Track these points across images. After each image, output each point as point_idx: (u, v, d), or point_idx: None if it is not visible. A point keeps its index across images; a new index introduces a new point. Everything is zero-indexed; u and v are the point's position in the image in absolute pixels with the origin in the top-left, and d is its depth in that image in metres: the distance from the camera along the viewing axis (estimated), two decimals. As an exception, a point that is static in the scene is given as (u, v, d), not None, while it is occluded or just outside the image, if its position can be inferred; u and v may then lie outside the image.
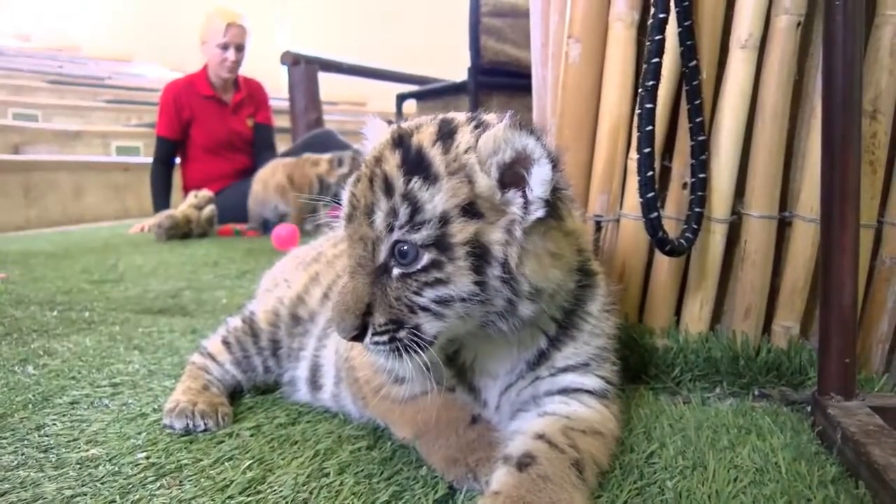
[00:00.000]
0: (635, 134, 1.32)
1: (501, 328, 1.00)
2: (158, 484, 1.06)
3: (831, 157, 1.25)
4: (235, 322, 1.49)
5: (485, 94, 4.67)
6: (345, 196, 1.02)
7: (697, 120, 1.37)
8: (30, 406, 1.38)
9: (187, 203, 4.57)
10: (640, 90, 1.29)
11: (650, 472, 1.08)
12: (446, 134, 0.98)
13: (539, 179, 0.94)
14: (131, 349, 1.82)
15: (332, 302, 0.98)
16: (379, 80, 7.67)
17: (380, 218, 0.94)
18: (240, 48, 5.03)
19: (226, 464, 1.13)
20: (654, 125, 1.24)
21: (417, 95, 5.53)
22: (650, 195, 1.25)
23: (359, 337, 0.96)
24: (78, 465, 1.12)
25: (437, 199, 0.92)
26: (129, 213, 6.26)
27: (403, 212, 0.92)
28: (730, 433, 1.23)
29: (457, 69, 4.91)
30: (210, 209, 4.56)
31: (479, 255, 0.93)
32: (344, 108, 11.40)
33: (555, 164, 0.94)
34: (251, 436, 1.25)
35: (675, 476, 1.06)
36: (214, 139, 5.03)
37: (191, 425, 1.26)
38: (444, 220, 0.92)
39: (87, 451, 1.18)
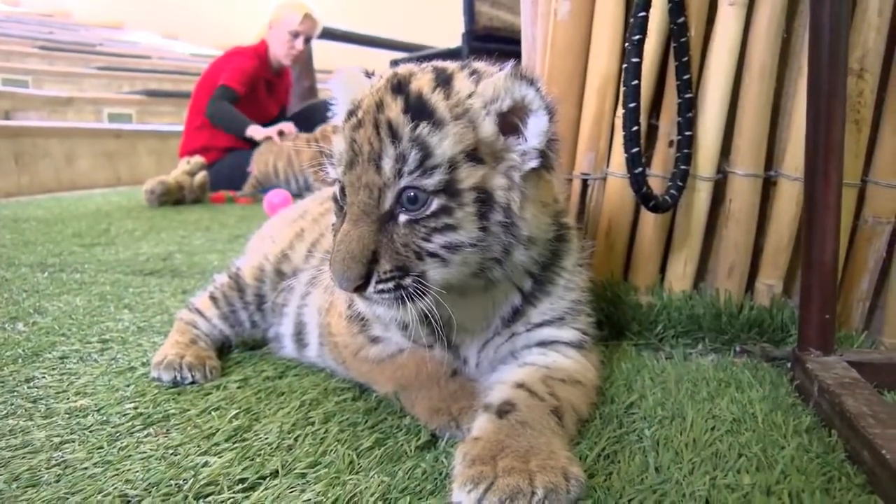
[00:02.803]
0: (622, 89, 1.31)
1: (494, 276, 1.03)
2: (146, 432, 1.08)
3: (816, 115, 1.25)
4: (222, 278, 1.50)
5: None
6: (342, 142, 0.99)
7: (685, 77, 1.37)
8: (19, 360, 1.40)
9: (180, 169, 4.55)
10: (626, 44, 1.29)
11: (629, 422, 1.10)
12: (444, 80, 0.98)
13: (536, 130, 0.96)
14: (121, 308, 1.84)
15: (333, 251, 0.94)
16: (373, 47, 7.58)
17: (388, 164, 0.93)
18: (308, 40, 5.17)
19: (213, 413, 1.15)
20: (639, 80, 1.24)
21: (411, 62, 5.46)
22: (635, 150, 1.25)
23: (361, 287, 0.94)
24: (67, 415, 1.14)
25: (446, 144, 0.92)
26: (121, 180, 6.23)
27: (413, 157, 0.91)
28: (709, 386, 1.25)
29: (452, 37, 4.85)
30: (202, 175, 4.54)
31: (484, 200, 0.94)
32: (338, 77, 11.25)
33: (551, 115, 0.97)
34: (238, 388, 1.26)
35: (653, 425, 1.09)
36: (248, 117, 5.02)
37: (178, 377, 1.27)
38: (452, 165, 0.92)
39: (76, 401, 1.20)
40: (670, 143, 1.44)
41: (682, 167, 1.36)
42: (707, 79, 1.43)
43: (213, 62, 5.31)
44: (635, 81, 1.24)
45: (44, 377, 1.31)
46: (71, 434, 1.07)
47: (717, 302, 1.47)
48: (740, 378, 1.28)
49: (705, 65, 1.44)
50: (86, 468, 0.96)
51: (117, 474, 0.94)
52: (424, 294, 0.95)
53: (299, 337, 1.38)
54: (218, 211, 4.11)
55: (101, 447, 1.02)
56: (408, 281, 0.94)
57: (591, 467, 0.95)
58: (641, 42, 1.27)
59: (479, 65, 1.05)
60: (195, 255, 2.63)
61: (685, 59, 1.35)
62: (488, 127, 0.96)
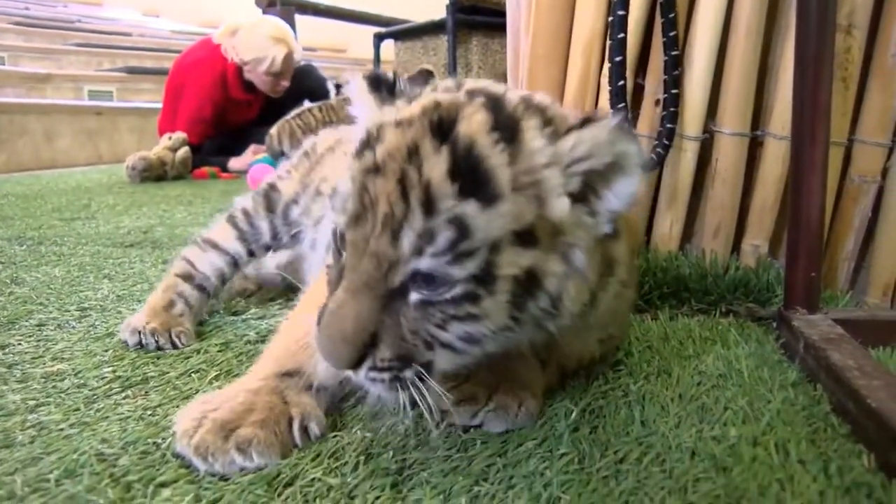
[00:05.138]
0: (608, 43, 1.29)
1: (519, 349, 0.90)
2: (124, 394, 1.06)
3: (803, 71, 1.23)
4: (246, 200, 1.54)
5: (464, 33, 4.57)
6: (348, 184, 0.77)
7: (671, 34, 1.34)
8: (-6, 328, 1.37)
9: (161, 145, 4.47)
10: (612, -1, 1.26)
11: (615, 378, 1.09)
12: (507, 127, 0.74)
13: (625, 192, 0.76)
14: (101, 278, 1.80)
15: (322, 322, 0.76)
16: (358, 23, 7.48)
17: (409, 238, 0.71)
18: (292, 69, 4.74)
19: (192, 375, 1.13)
20: (626, 33, 1.22)
21: (395, 35, 5.38)
22: (621, 106, 1.23)
23: (352, 367, 0.77)
24: (43, 379, 1.12)
25: (493, 226, 0.71)
26: (102, 158, 6.13)
27: (444, 238, 0.70)
28: (695, 344, 1.24)
29: (436, 10, 4.78)
30: (184, 151, 4.47)
31: (526, 287, 0.75)
32: (323, 55, 11.13)
33: (645, 174, 0.81)
34: (219, 351, 1.24)
35: (639, 381, 1.08)
36: (222, 126, 4.83)
37: (143, 341, 1.25)
38: (494, 248, 0.72)
39: (53, 366, 1.17)
40: (656, 103, 1.42)
41: (669, 125, 1.34)
42: (693, 36, 1.41)
43: (179, 60, 4.89)
44: (622, 34, 1.21)
45: (20, 344, 1.29)
46: (47, 397, 1.04)
47: (703, 262, 1.47)
48: (726, 336, 1.28)
49: (692, 22, 1.42)
50: (61, 429, 0.94)
51: (93, 434, 0.92)
52: (424, 382, 0.78)
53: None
54: (200, 186, 4.06)
55: (78, 409, 1.00)
56: (409, 373, 0.77)
57: (576, 421, 0.94)
58: (627, -5, 1.24)
59: (545, 101, 0.83)
60: (176, 228, 2.59)
61: (671, 15, 1.33)
62: (562, 206, 0.75)
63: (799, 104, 1.24)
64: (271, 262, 1.65)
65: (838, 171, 1.44)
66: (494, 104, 0.77)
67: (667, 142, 1.33)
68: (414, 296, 0.74)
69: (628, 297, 1.08)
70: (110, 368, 1.16)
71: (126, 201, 3.38)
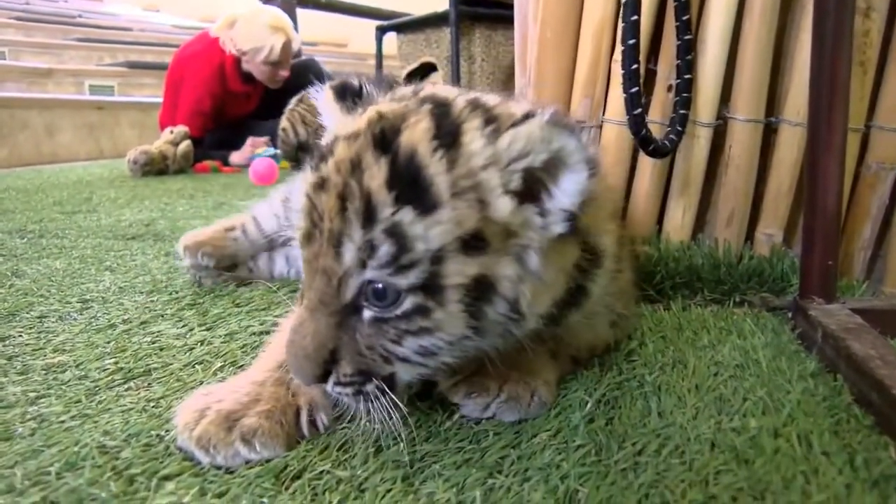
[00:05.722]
0: (620, 25, 1.26)
1: (486, 353, 0.85)
2: (126, 386, 1.04)
3: (821, 52, 1.20)
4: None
5: (467, 25, 4.52)
6: (300, 204, 0.77)
7: (684, 18, 1.31)
8: (-6, 320, 1.34)
9: (163, 139, 4.44)
10: (624, -20, 1.23)
11: (629, 369, 1.07)
12: (448, 133, 0.73)
13: (571, 189, 0.73)
14: (103, 270, 1.78)
15: (287, 340, 0.78)
16: (359, 16, 7.44)
17: (350, 251, 0.72)
18: (290, 58, 4.67)
19: (196, 367, 1.10)
20: (639, 15, 1.18)
21: (397, 28, 5.34)
22: (634, 90, 1.20)
23: (320, 380, 0.78)
24: (43, 371, 1.09)
25: (433, 234, 0.70)
26: (103, 152, 6.10)
27: (385, 250, 0.70)
28: (710, 334, 1.22)
29: (440, 4, 4.73)
30: (186, 144, 4.44)
31: (480, 294, 0.73)
32: (324, 49, 11.08)
33: (593, 169, 0.73)
34: (223, 342, 1.22)
35: (654, 371, 1.05)
36: (222, 119, 4.79)
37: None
38: (437, 258, 0.71)
39: (54, 358, 1.15)
40: (669, 88, 1.39)
41: (682, 111, 1.31)
42: (707, 19, 1.37)
43: (178, 54, 4.86)
44: (634, 17, 1.18)
45: (20, 336, 1.26)
46: (48, 389, 1.02)
47: (716, 252, 1.44)
48: (741, 326, 1.25)
49: (705, 4, 1.38)
50: (62, 421, 0.91)
51: (95, 426, 0.89)
52: (392, 390, 0.79)
53: None
54: (202, 180, 4.03)
55: (79, 401, 0.98)
56: (370, 387, 0.77)
57: (591, 412, 0.92)
58: (640, -23, 1.21)
59: (491, 100, 0.82)
60: (178, 221, 2.56)
61: (685, -2, 1.29)
62: (504, 206, 0.72)
63: (816, 86, 1.20)
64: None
65: (855, 158, 1.41)
66: (440, 110, 0.76)
67: (680, 128, 1.30)
68: (367, 313, 0.75)
69: (625, 279, 1.08)
70: (112, 360, 1.13)
71: (128, 195, 3.35)
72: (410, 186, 0.70)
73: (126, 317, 1.36)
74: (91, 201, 3.12)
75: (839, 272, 1.41)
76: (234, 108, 4.82)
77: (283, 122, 4.33)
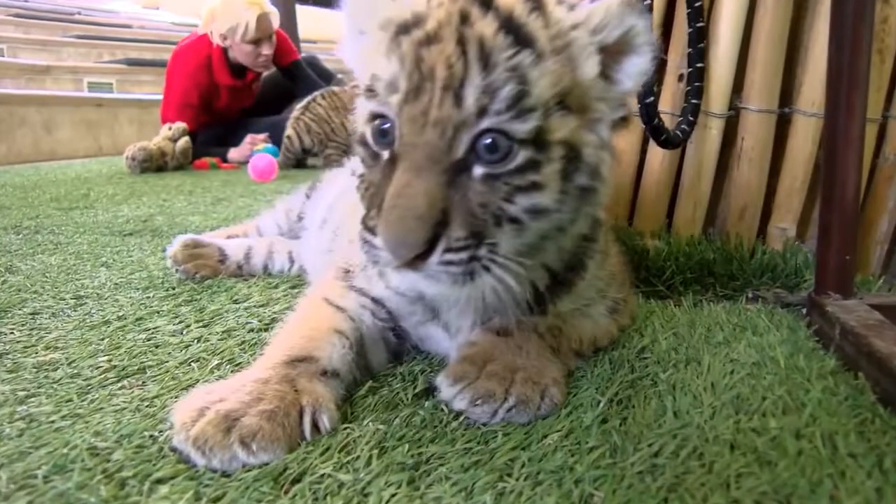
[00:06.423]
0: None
1: (546, 251, 0.87)
2: (120, 385, 1.00)
3: (840, 38, 1.16)
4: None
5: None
6: (394, 64, 0.76)
7: (696, 4, 1.27)
8: (-15, 317, 1.30)
9: (161, 135, 4.40)
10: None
11: (642, 366, 1.03)
12: (536, 3, 0.78)
13: (636, 70, 0.80)
14: (98, 266, 1.74)
15: (385, 209, 0.72)
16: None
17: (472, 95, 0.72)
18: (272, 37, 4.57)
19: (192, 365, 1.06)
20: (651, 0, 1.14)
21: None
22: (645, 78, 1.16)
23: (423, 255, 0.73)
24: (34, 369, 1.05)
25: (544, 83, 0.73)
26: (102, 150, 6.06)
27: (507, 92, 0.72)
28: (724, 330, 1.18)
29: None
30: (185, 141, 4.39)
31: (571, 157, 0.77)
32: (324, 47, 11.05)
33: (655, 54, 0.80)
34: (220, 339, 1.18)
35: (668, 369, 1.01)
36: (217, 115, 4.75)
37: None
38: (546, 110, 0.74)
39: (45, 355, 1.11)
40: (680, 77, 1.35)
41: (694, 101, 1.27)
42: (719, 6, 1.33)
43: (174, 50, 4.82)
44: (646, 1, 1.14)
45: (11, 332, 1.22)
46: (38, 388, 0.98)
47: (728, 246, 1.40)
48: (756, 323, 1.22)
49: (718, -9, 1.34)
50: (52, 421, 0.87)
51: (86, 427, 0.85)
52: (496, 267, 0.77)
53: None
54: (201, 176, 3.99)
55: (70, 400, 0.94)
56: (483, 251, 0.75)
57: (603, 412, 0.88)
58: (652, -39, 1.17)
59: None
60: (177, 217, 2.52)
61: (697, -16, 1.25)
62: (591, 68, 0.78)
63: (835, 75, 1.17)
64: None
65: (872, 150, 1.37)
66: None
67: (692, 118, 1.26)
68: (478, 170, 0.75)
69: (612, 262, 1.11)
70: (106, 357, 1.09)
71: (126, 191, 3.31)
72: (519, 35, 0.74)
73: (121, 313, 1.32)
74: (88, 198, 3.08)
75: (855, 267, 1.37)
76: (226, 102, 4.77)
77: (289, 131, 4.28)
